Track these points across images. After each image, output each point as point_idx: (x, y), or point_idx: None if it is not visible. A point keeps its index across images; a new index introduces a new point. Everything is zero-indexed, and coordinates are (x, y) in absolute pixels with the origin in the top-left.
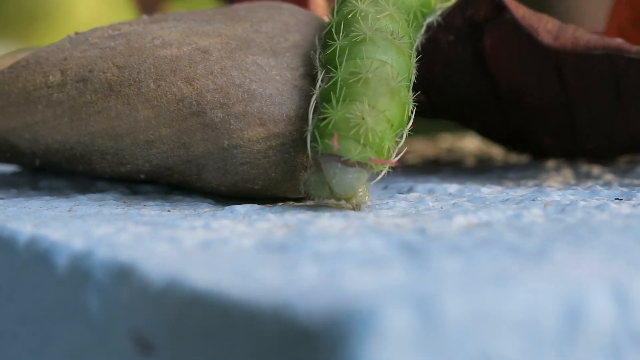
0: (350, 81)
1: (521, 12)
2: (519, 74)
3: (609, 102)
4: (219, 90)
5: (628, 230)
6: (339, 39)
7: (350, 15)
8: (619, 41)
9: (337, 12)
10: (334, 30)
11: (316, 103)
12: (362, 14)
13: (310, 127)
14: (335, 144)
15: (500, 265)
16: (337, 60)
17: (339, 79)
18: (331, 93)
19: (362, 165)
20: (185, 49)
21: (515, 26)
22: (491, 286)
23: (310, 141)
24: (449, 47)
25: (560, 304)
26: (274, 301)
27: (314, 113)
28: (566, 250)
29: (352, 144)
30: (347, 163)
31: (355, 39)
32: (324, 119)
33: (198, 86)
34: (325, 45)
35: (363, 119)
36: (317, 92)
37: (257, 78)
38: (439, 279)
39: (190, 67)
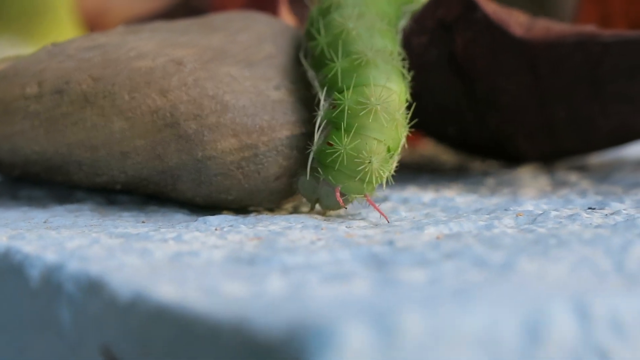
0: (361, 114)
1: (491, 7)
2: (493, 72)
3: (585, 95)
4: (193, 101)
5: (597, 242)
6: (338, 60)
7: (343, 35)
8: (590, 27)
9: (326, 30)
10: (326, 51)
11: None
12: (354, 32)
13: (315, 147)
14: (339, 199)
15: (464, 279)
16: (341, 84)
17: (346, 106)
18: (340, 121)
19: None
20: (159, 61)
21: (487, 23)
22: (452, 301)
23: (308, 160)
24: (423, 50)
25: (522, 319)
26: (237, 316)
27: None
28: (532, 262)
29: (354, 185)
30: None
31: (357, 62)
32: (330, 145)
33: (172, 98)
34: (320, 64)
35: (370, 162)
36: (321, 112)
37: (231, 89)
38: (400, 294)
39: (164, 79)
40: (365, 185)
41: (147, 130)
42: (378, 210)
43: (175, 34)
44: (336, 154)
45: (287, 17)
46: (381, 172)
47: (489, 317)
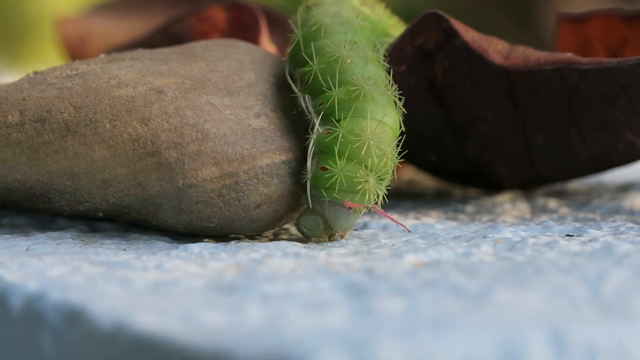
0: (355, 146)
1: (471, 35)
2: (472, 100)
3: (564, 121)
4: (174, 130)
5: (573, 270)
6: (334, 89)
7: (338, 63)
8: (568, 55)
9: (318, 57)
10: (320, 78)
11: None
12: (349, 60)
13: (309, 175)
14: (353, 205)
15: (441, 308)
16: (338, 114)
17: (340, 134)
18: (333, 146)
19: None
20: (140, 89)
21: (466, 51)
22: (429, 331)
23: (307, 188)
24: (402, 78)
25: (498, 349)
26: (216, 346)
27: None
28: (509, 291)
29: (359, 198)
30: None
31: (354, 93)
32: (325, 169)
33: (153, 126)
34: (313, 91)
35: (366, 181)
36: (314, 136)
37: (211, 118)
38: (377, 324)
39: (145, 108)
40: (367, 197)
41: (128, 159)
42: (391, 218)
43: (155, 63)
44: (334, 178)
45: (267, 45)
46: (378, 189)
47: (465, 347)
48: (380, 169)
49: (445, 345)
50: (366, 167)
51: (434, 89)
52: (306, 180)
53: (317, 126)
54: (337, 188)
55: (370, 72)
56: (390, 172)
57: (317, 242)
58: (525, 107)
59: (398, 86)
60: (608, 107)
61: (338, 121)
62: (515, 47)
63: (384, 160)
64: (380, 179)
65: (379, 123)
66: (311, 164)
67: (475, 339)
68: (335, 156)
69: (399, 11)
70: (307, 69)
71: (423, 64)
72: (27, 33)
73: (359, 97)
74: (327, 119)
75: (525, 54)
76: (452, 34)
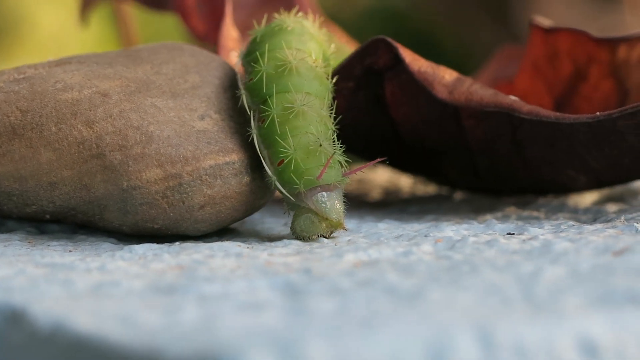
0: (290, 117)
1: (417, 65)
2: (418, 120)
3: (508, 150)
4: (118, 132)
5: (509, 268)
6: (264, 65)
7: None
8: (511, 99)
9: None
10: (259, 57)
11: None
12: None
13: (273, 177)
14: (322, 172)
15: (373, 307)
16: (265, 91)
17: (274, 114)
18: (274, 132)
19: (336, 185)
20: (85, 92)
21: (412, 79)
22: (357, 330)
23: (276, 189)
24: (350, 93)
25: (426, 348)
26: (149, 346)
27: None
28: (442, 290)
29: (328, 173)
30: (328, 189)
31: (280, 69)
32: (282, 162)
33: (97, 129)
34: (249, 73)
35: (320, 145)
36: (254, 130)
37: (155, 120)
38: (308, 323)
39: (90, 111)
40: (334, 172)
41: (73, 161)
42: (365, 166)
43: (101, 66)
44: (293, 162)
45: (230, 28)
46: (334, 152)
47: (392, 346)
48: (325, 134)
49: (372, 345)
50: (312, 134)
51: (383, 104)
52: (275, 184)
53: (252, 120)
54: (302, 168)
55: (303, 48)
56: (331, 131)
57: (315, 239)
58: (471, 132)
59: (345, 100)
60: (548, 148)
61: (264, 102)
62: (462, 81)
63: (323, 121)
64: (333, 146)
65: (304, 94)
66: (269, 167)
67: (403, 338)
68: (280, 140)
69: (377, 10)
70: (252, 39)
71: (371, 81)
72: (1, 33)
73: (284, 72)
74: (256, 99)
75: (470, 91)
76: (399, 61)
